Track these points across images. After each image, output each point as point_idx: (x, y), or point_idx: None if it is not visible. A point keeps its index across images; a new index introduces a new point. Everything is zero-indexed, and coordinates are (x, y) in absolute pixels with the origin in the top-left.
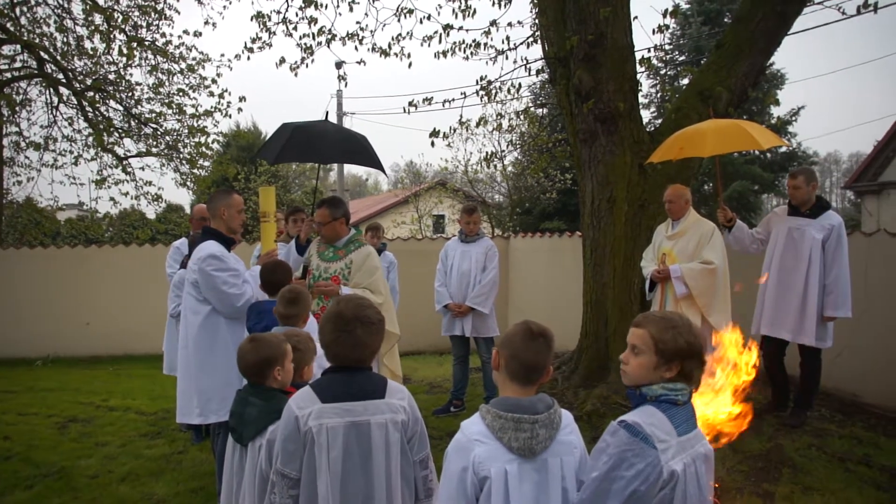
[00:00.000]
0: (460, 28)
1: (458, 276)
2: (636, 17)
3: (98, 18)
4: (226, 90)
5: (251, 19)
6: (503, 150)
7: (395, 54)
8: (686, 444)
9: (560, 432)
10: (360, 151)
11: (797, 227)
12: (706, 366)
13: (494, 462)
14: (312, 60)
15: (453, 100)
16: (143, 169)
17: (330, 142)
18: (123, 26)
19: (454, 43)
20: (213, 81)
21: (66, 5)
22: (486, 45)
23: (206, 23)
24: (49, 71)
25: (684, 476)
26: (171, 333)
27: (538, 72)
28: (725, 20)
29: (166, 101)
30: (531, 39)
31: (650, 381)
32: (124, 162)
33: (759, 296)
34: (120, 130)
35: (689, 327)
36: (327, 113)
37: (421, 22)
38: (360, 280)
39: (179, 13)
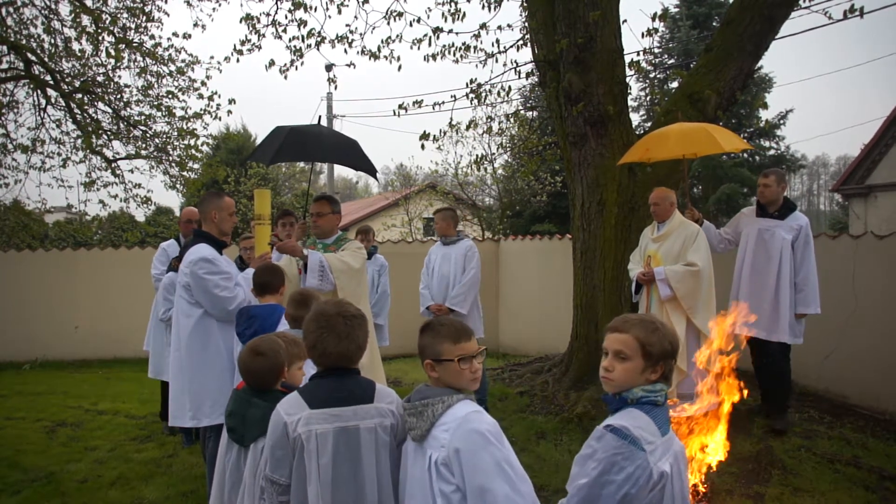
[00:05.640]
0: (450, 31)
1: (438, 278)
2: (625, 21)
3: (86, 20)
4: (215, 92)
5: (240, 21)
6: (493, 153)
7: (385, 57)
8: (668, 444)
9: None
10: (354, 153)
11: (767, 229)
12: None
13: None
14: (302, 63)
15: (443, 102)
16: (132, 171)
17: (325, 143)
18: (112, 28)
19: (444, 46)
20: (203, 84)
21: (53, 6)
22: (475, 48)
23: (196, 25)
24: (36, 72)
25: (671, 475)
26: (158, 337)
27: (528, 75)
28: (714, 24)
29: (155, 103)
30: (521, 42)
31: (634, 385)
32: (113, 164)
33: (732, 296)
34: (109, 133)
35: (668, 327)
36: (320, 117)
37: (411, 25)
38: (340, 254)
39: (168, 15)
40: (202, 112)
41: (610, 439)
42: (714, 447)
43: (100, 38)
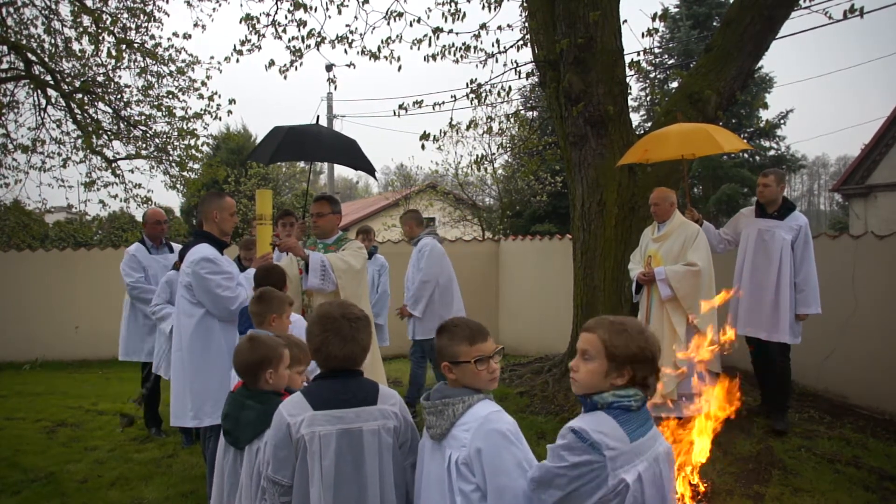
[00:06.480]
0: (450, 31)
1: (405, 279)
2: (625, 21)
3: (86, 20)
4: (215, 93)
5: (240, 22)
6: (493, 153)
7: (385, 57)
8: (640, 448)
9: None
10: (352, 153)
11: (767, 229)
12: (659, 373)
13: None
14: (301, 63)
15: (443, 103)
16: (132, 171)
17: (323, 143)
18: (112, 28)
19: (444, 46)
20: (203, 84)
21: (53, 7)
22: (476, 48)
23: (196, 25)
24: (37, 72)
25: (640, 483)
26: (161, 334)
27: (528, 75)
28: (714, 24)
29: (156, 103)
30: (521, 42)
31: (601, 388)
32: (113, 164)
33: (733, 296)
34: (109, 133)
35: (642, 332)
36: (318, 117)
37: (411, 25)
38: (341, 254)
39: (169, 15)
40: (202, 112)
41: (570, 439)
42: (701, 449)
43: (100, 38)
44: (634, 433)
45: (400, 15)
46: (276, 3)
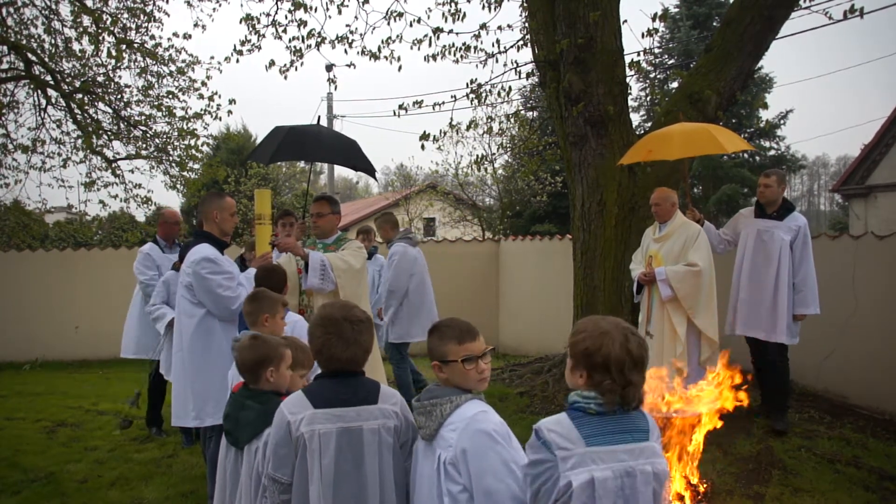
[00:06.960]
0: (450, 31)
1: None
2: (625, 21)
3: (86, 20)
4: (216, 93)
5: (240, 22)
6: (493, 153)
7: (385, 57)
8: (603, 455)
9: None
10: (352, 153)
11: (766, 230)
12: (634, 384)
13: None
14: (302, 63)
15: (443, 103)
16: (132, 171)
17: (324, 143)
18: (112, 28)
19: (444, 46)
20: (203, 84)
21: (53, 7)
22: (476, 48)
23: (196, 25)
24: (37, 72)
25: (590, 488)
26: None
27: (528, 75)
28: (714, 24)
29: (156, 103)
30: (521, 43)
31: (573, 384)
32: (113, 164)
33: (732, 296)
34: (109, 133)
35: (601, 335)
36: (319, 117)
37: (411, 25)
38: (341, 253)
39: (169, 15)
40: (202, 112)
41: (532, 437)
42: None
43: (100, 38)
44: (594, 438)
45: (400, 15)
46: (277, 3)
